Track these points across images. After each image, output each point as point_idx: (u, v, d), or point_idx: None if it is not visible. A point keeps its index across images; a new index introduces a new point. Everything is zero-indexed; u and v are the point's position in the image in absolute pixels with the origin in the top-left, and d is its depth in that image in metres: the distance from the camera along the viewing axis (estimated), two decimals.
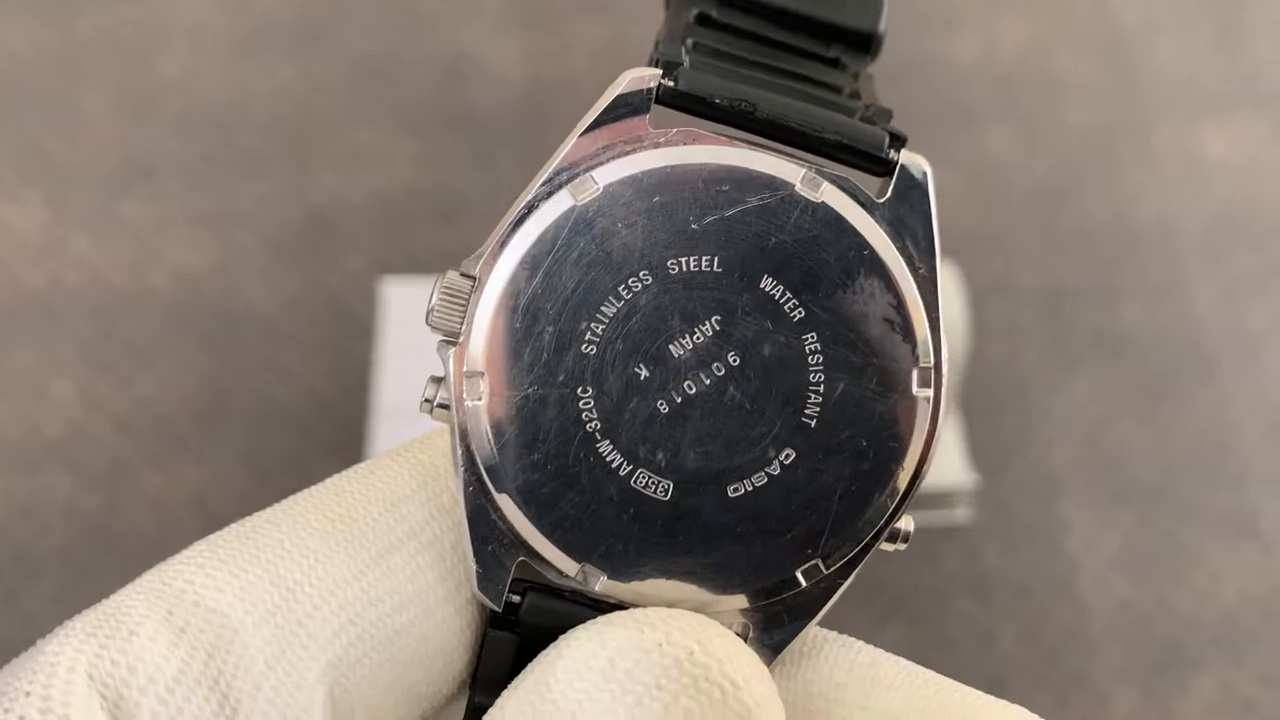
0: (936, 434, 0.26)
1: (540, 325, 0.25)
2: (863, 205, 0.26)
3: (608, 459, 0.25)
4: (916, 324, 0.26)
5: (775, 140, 0.26)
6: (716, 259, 0.25)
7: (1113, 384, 0.64)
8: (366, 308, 0.64)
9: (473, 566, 0.25)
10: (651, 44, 0.28)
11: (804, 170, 0.26)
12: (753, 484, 0.25)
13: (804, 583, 0.26)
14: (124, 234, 0.66)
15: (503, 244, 0.26)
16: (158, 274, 0.65)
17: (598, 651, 0.24)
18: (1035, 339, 0.65)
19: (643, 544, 0.25)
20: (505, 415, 0.25)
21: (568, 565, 0.25)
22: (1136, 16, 0.76)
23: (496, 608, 0.26)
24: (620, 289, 0.25)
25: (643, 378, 0.25)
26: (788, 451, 0.25)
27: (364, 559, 0.25)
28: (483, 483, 0.25)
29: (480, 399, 0.25)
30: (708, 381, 0.25)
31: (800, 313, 0.25)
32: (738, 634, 0.25)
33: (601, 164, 0.26)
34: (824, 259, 0.25)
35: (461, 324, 0.26)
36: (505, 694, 0.25)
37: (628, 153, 0.26)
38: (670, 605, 0.25)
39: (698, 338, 0.25)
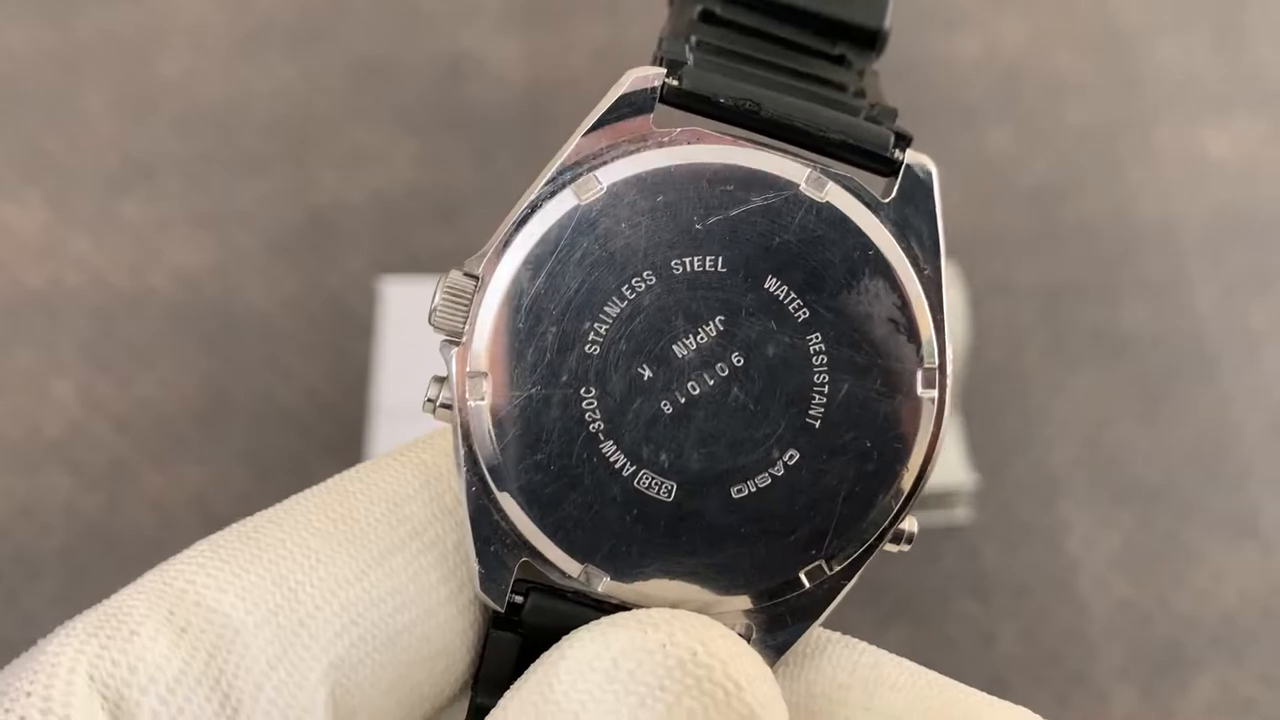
0: (941, 435, 0.25)
1: (543, 325, 0.25)
2: (868, 205, 0.26)
3: (611, 460, 0.25)
4: (921, 325, 0.25)
5: (780, 139, 0.26)
6: (721, 259, 0.25)
7: (1113, 384, 0.64)
8: (366, 308, 0.64)
9: (475, 567, 0.25)
10: (652, 44, 0.28)
11: (809, 170, 0.26)
12: (756, 485, 0.25)
13: (807, 584, 0.26)
14: (124, 234, 0.66)
15: (506, 243, 0.26)
16: (158, 274, 0.65)
17: (601, 652, 0.24)
18: (1035, 339, 0.65)
19: (646, 545, 0.25)
20: (508, 415, 0.25)
21: (570, 566, 0.25)
22: (1136, 16, 0.76)
23: (499, 608, 0.26)
24: (624, 289, 0.25)
25: (646, 378, 0.25)
26: (792, 452, 0.25)
27: (366, 559, 0.25)
28: (485, 483, 0.25)
29: (483, 399, 0.25)
30: (711, 382, 0.25)
31: (805, 313, 0.25)
32: (741, 635, 0.25)
33: (605, 163, 0.26)
34: (829, 259, 0.25)
35: (464, 324, 0.26)
36: (508, 695, 0.25)
37: (632, 152, 0.26)
38: (673, 606, 0.25)
39: (701, 338, 0.25)
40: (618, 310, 0.25)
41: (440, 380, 0.26)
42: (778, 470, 0.25)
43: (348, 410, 0.61)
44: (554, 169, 0.26)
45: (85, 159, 0.68)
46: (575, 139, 0.26)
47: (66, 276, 0.64)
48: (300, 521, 0.25)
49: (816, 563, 0.26)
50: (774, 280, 0.25)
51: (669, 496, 0.25)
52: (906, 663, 0.26)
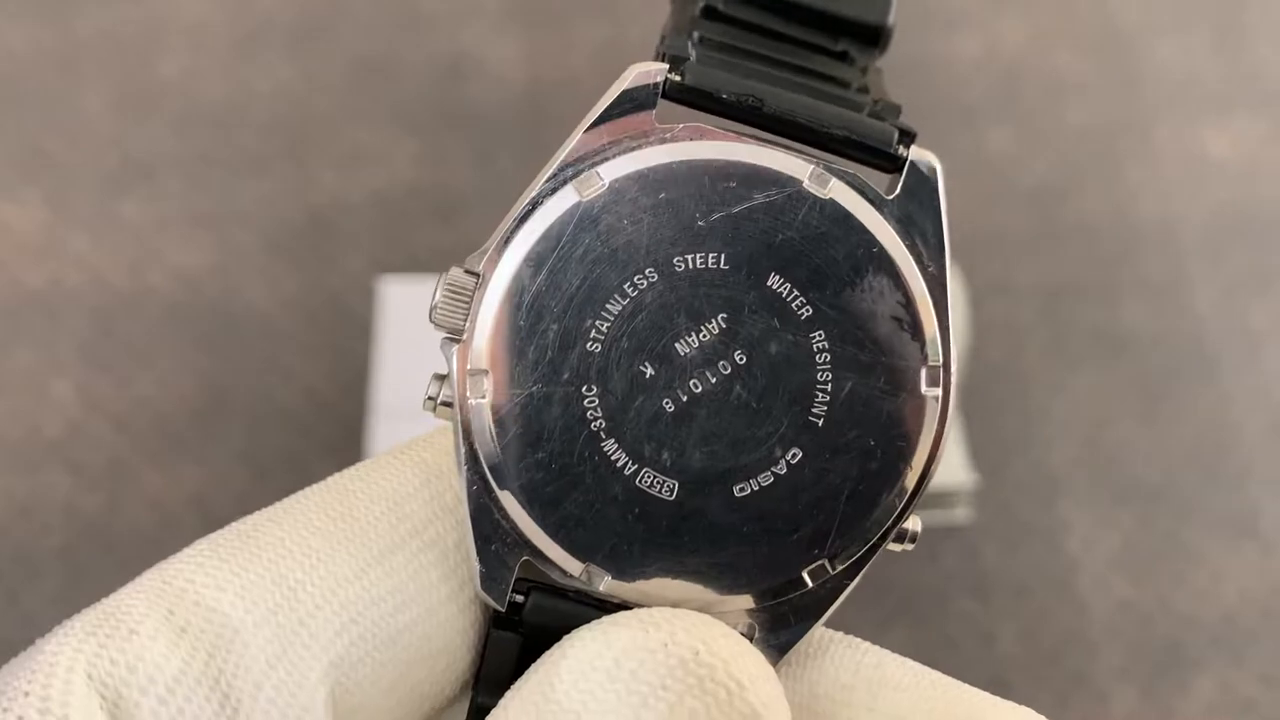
0: (945, 433, 0.25)
1: (545, 323, 0.25)
2: (871, 202, 0.26)
3: (612, 458, 0.25)
4: (925, 322, 0.25)
5: (783, 136, 0.26)
6: (723, 256, 0.25)
7: (1113, 384, 0.64)
8: (366, 307, 0.64)
9: (476, 566, 0.25)
10: (652, 44, 0.28)
11: (812, 166, 0.25)
12: (759, 483, 0.25)
13: (810, 583, 0.25)
14: (123, 234, 0.66)
15: (507, 240, 0.25)
16: (157, 274, 0.65)
17: (602, 652, 0.24)
18: (1035, 339, 0.65)
19: (647, 544, 0.25)
20: (509, 413, 0.25)
21: (572, 565, 0.25)
22: (1136, 16, 0.76)
23: (500, 607, 0.25)
24: (626, 286, 0.25)
25: (648, 376, 0.25)
26: (794, 451, 0.25)
27: (366, 558, 0.25)
28: (486, 481, 0.25)
29: (484, 397, 0.25)
30: (714, 380, 0.25)
31: (808, 311, 0.25)
32: (743, 634, 0.25)
33: (607, 160, 0.25)
34: (832, 256, 0.25)
35: (465, 321, 0.25)
36: (508, 694, 0.24)
37: (634, 148, 0.25)
38: (675, 605, 0.25)
39: (704, 336, 0.25)
40: (619, 307, 0.25)
41: (441, 378, 0.26)
42: (780, 469, 0.25)
43: (347, 410, 0.61)
44: (555, 165, 0.26)
45: (84, 159, 0.68)
46: (577, 135, 0.26)
47: (66, 276, 0.64)
48: (300, 520, 0.25)
49: (819, 562, 0.25)
50: (777, 277, 0.25)
51: (671, 495, 0.25)
52: (910, 663, 0.26)
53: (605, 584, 0.25)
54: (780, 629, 0.26)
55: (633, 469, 0.25)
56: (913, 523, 0.26)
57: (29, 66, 0.71)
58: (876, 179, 0.26)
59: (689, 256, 0.25)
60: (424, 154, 0.69)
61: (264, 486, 0.59)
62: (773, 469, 0.25)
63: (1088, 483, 0.62)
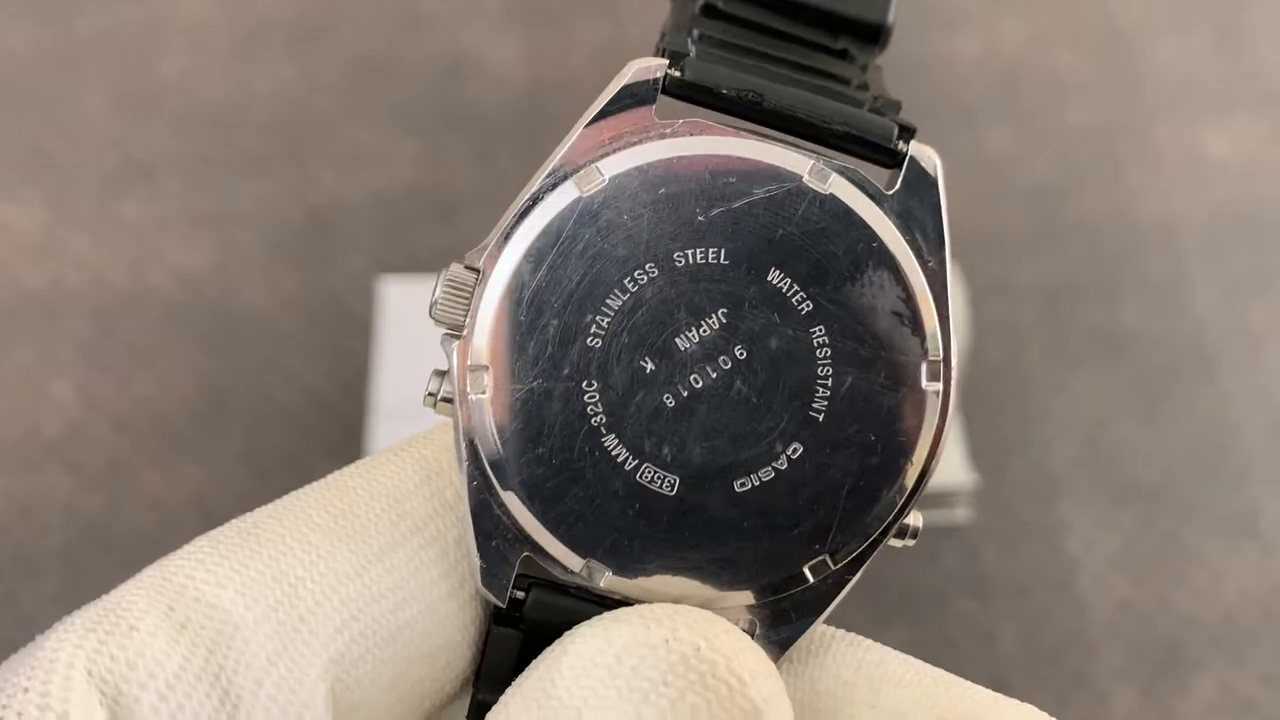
0: (946, 429, 0.25)
1: (545, 318, 0.25)
2: (871, 197, 0.26)
3: (613, 453, 0.25)
4: (925, 317, 0.25)
5: (783, 131, 0.26)
6: (723, 251, 0.25)
7: (1113, 384, 0.64)
8: (366, 307, 0.64)
9: (476, 562, 0.25)
10: (651, 44, 0.28)
11: (812, 161, 0.25)
12: (760, 479, 0.25)
13: (811, 579, 0.25)
14: (123, 234, 0.66)
15: (507, 236, 0.25)
16: (157, 274, 0.65)
17: (603, 648, 0.24)
18: (1035, 339, 0.65)
19: (648, 539, 0.25)
20: (509, 409, 0.25)
21: (572, 561, 0.25)
22: (1136, 16, 0.76)
23: (500, 604, 0.25)
24: (626, 281, 0.25)
25: (648, 371, 0.25)
26: (795, 446, 0.25)
27: (366, 555, 0.25)
28: (486, 477, 0.25)
29: (484, 393, 0.25)
30: (714, 375, 0.25)
31: (808, 306, 0.25)
32: (744, 631, 0.25)
33: (607, 155, 0.25)
34: (832, 251, 0.25)
35: (465, 317, 0.25)
36: (509, 691, 0.24)
37: (633, 144, 0.25)
38: (676, 601, 0.25)
39: (704, 331, 0.25)
40: (620, 303, 0.25)
41: (441, 374, 0.26)
42: (781, 464, 0.25)
43: (347, 410, 0.61)
44: (555, 161, 0.26)
45: (84, 159, 0.68)
46: (577, 130, 0.26)
47: (66, 276, 0.64)
48: (300, 517, 0.25)
49: (820, 557, 0.25)
50: (777, 272, 0.25)
51: (671, 490, 0.25)
52: (912, 660, 0.26)
53: (606, 580, 0.25)
54: (781, 625, 0.26)
55: (633, 464, 0.25)
56: (914, 518, 0.26)
57: (29, 66, 0.71)
58: (876, 174, 0.26)
59: (689, 251, 0.25)
60: (424, 154, 0.69)
61: (264, 486, 0.59)
62: (773, 464, 0.25)
63: (1088, 483, 0.61)
